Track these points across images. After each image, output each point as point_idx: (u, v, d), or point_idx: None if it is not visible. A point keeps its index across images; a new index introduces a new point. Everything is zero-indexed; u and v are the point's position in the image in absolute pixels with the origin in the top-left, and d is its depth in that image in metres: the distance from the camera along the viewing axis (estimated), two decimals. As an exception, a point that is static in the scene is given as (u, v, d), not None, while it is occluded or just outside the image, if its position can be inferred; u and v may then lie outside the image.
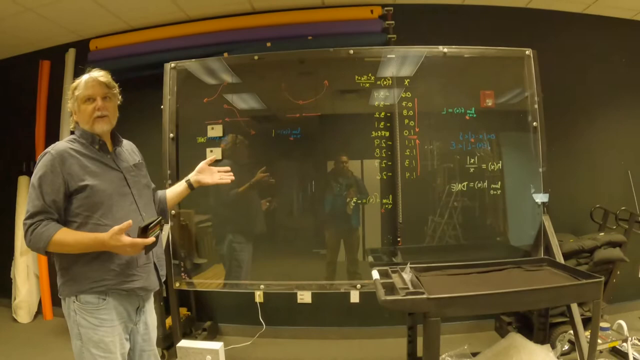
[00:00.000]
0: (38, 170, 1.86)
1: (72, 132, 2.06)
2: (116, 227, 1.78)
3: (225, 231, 3.52)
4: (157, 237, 1.94)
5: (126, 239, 1.80)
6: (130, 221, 1.81)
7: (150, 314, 2.17)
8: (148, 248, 1.88)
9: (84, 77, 2.00)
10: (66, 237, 1.81)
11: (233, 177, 2.47)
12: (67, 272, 1.89)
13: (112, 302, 1.91)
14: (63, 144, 1.94)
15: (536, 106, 3.29)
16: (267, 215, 3.50)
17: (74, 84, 2.00)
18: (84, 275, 1.87)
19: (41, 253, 1.87)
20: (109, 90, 2.02)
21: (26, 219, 1.83)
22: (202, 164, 2.43)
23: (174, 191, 2.42)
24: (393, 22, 3.98)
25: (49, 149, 1.91)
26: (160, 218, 1.94)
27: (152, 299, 2.18)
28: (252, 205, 3.50)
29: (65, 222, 1.87)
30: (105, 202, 1.92)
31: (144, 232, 1.84)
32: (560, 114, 3.85)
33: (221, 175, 2.44)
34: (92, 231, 1.85)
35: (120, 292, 1.93)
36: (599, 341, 3.04)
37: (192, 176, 2.42)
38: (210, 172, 2.44)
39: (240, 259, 3.47)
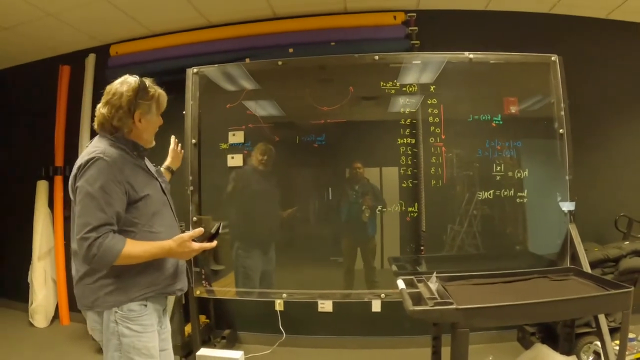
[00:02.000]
0: (95, 179, 1.75)
1: (92, 134, 2.01)
2: (185, 235, 1.85)
3: (244, 239, 3.50)
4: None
5: (196, 245, 1.88)
6: (201, 229, 1.92)
7: (167, 315, 2.21)
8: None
9: (160, 91, 2.00)
10: (135, 248, 1.78)
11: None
12: (117, 281, 1.82)
13: (151, 307, 1.92)
14: (111, 149, 1.85)
15: (562, 113, 3.24)
16: (289, 223, 3.47)
17: (155, 93, 1.97)
18: (136, 283, 1.85)
19: (104, 268, 1.80)
20: None
21: (88, 232, 1.70)
22: (173, 151, 2.62)
23: None
24: (416, 28, 3.97)
25: (98, 154, 1.79)
26: (220, 223, 2.05)
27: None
28: (274, 213, 3.49)
29: (119, 231, 1.81)
30: (160, 210, 1.96)
31: (212, 237, 1.98)
32: (583, 120, 3.79)
33: (180, 150, 2.67)
34: (146, 239, 1.85)
35: (164, 295, 1.98)
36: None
37: (169, 162, 2.58)
38: (177, 154, 2.64)
39: (259, 267, 3.45)
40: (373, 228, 3.39)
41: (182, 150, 2.70)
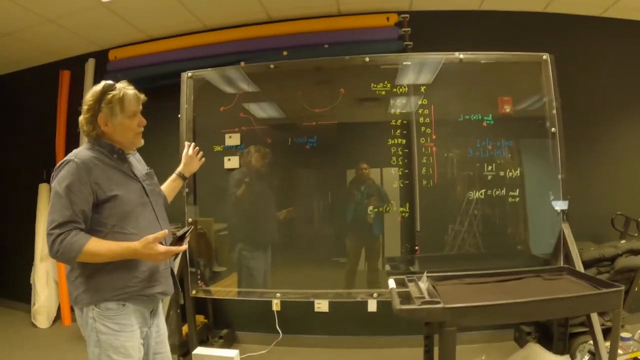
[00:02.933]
0: (63, 179, 1.83)
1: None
2: (150, 237, 1.83)
3: (243, 240, 3.52)
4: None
5: (161, 248, 1.86)
6: (166, 231, 1.90)
7: (162, 317, 2.20)
8: (176, 255, 1.97)
9: (129, 92, 1.98)
10: (98, 246, 1.81)
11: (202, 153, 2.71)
12: (89, 280, 1.87)
13: (131, 307, 1.93)
14: (85, 152, 1.92)
15: (554, 112, 3.24)
16: (284, 224, 3.49)
17: (114, 96, 1.94)
18: (108, 283, 1.87)
19: (69, 263, 1.87)
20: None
21: (53, 228, 1.79)
22: (186, 157, 2.63)
23: (170, 187, 2.48)
24: (409, 29, 3.97)
25: (71, 157, 1.88)
26: (192, 227, 2.07)
27: (161, 302, 2.20)
28: (269, 214, 3.51)
29: (89, 230, 1.86)
30: (133, 212, 1.95)
31: (179, 241, 1.95)
32: (579, 119, 3.78)
33: (199, 157, 2.69)
34: (118, 240, 1.87)
35: (142, 297, 1.95)
36: (620, 352, 2.98)
37: (182, 168, 2.59)
38: (192, 159, 2.65)
39: (258, 267, 3.48)
40: (378, 228, 3.41)
41: (203, 157, 2.72)
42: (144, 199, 2.04)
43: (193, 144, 2.69)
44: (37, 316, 4.75)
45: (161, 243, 1.89)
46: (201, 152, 2.69)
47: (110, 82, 1.98)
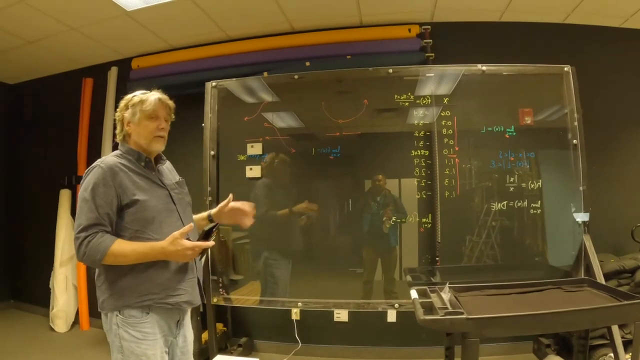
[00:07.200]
0: (89, 184, 1.86)
1: (114, 145, 2.12)
2: (177, 232, 1.85)
3: (263, 248, 3.55)
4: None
5: (188, 243, 1.87)
6: (192, 224, 1.91)
7: (188, 327, 2.19)
8: (203, 252, 1.97)
9: (152, 96, 2.03)
10: (124, 247, 1.83)
11: (251, 221, 2.32)
12: (114, 285, 1.89)
13: (155, 316, 1.93)
14: (111, 158, 1.95)
15: (576, 123, 3.24)
16: (305, 233, 3.52)
17: (139, 98, 2.01)
18: (132, 288, 1.88)
19: (95, 266, 1.89)
20: (170, 115, 2.09)
21: (79, 231, 1.82)
22: (223, 207, 2.26)
23: (197, 218, 2.28)
24: (431, 40, 3.99)
25: (97, 162, 1.92)
26: (217, 224, 2.04)
27: (189, 312, 2.20)
28: (290, 223, 3.53)
29: (114, 234, 1.88)
30: (157, 218, 1.96)
31: (206, 236, 1.95)
32: (598, 131, 3.77)
33: (242, 219, 2.30)
34: None
35: (165, 305, 1.95)
36: (640, 364, 2.97)
37: (215, 212, 2.28)
38: (230, 214, 2.28)
39: (277, 276, 3.50)
40: (394, 239, 3.43)
41: (249, 216, 2.30)
42: (169, 206, 2.04)
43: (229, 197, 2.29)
44: (56, 320, 4.79)
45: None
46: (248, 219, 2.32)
47: (142, 90, 2.06)
